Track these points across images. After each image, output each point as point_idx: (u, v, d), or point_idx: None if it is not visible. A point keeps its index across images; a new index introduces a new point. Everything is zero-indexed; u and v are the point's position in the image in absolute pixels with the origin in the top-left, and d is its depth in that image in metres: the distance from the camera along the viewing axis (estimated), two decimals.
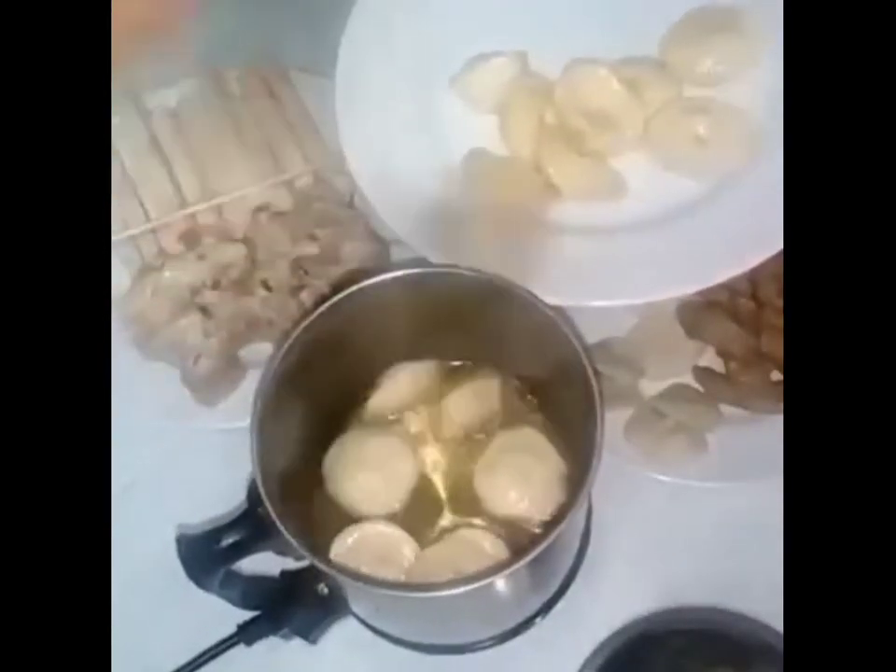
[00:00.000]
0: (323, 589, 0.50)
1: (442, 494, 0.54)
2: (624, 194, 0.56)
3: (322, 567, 0.45)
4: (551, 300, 0.50)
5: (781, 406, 0.56)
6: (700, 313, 0.60)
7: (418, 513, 0.53)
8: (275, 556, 0.49)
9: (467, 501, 0.53)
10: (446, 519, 0.54)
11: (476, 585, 0.44)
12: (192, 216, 0.63)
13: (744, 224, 0.52)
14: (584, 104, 0.57)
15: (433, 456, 0.55)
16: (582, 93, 0.58)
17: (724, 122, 0.56)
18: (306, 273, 0.60)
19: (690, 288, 0.52)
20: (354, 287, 0.51)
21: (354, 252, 0.60)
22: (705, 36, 0.58)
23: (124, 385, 0.53)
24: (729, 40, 0.57)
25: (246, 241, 0.61)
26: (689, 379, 0.59)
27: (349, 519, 0.53)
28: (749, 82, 0.57)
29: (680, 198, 0.55)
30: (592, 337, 0.57)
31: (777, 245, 0.49)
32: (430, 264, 0.53)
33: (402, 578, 0.50)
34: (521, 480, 0.52)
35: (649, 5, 0.59)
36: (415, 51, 0.60)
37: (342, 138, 0.58)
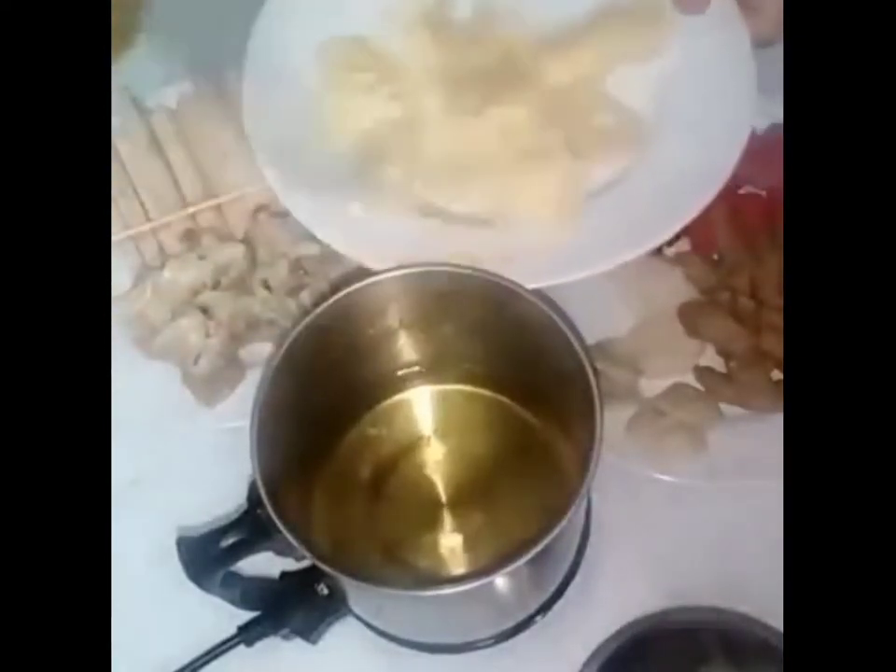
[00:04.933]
0: (323, 589, 0.50)
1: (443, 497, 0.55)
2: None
3: (322, 566, 0.45)
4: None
5: (781, 406, 0.56)
6: (700, 312, 0.60)
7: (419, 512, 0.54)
8: (275, 557, 0.49)
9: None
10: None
11: (476, 584, 0.44)
12: (192, 216, 0.63)
13: (644, 209, 0.54)
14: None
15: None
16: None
17: (619, 114, 0.58)
18: (306, 272, 0.60)
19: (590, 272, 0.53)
20: (354, 287, 0.51)
21: None
22: (608, 25, 0.59)
23: (124, 385, 0.53)
24: (629, 30, 0.59)
25: (246, 241, 0.61)
26: (689, 378, 0.59)
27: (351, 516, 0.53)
28: (645, 75, 0.59)
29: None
30: (592, 337, 0.57)
31: (679, 225, 0.53)
32: (431, 263, 0.53)
33: None
34: None
35: None
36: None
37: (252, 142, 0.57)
